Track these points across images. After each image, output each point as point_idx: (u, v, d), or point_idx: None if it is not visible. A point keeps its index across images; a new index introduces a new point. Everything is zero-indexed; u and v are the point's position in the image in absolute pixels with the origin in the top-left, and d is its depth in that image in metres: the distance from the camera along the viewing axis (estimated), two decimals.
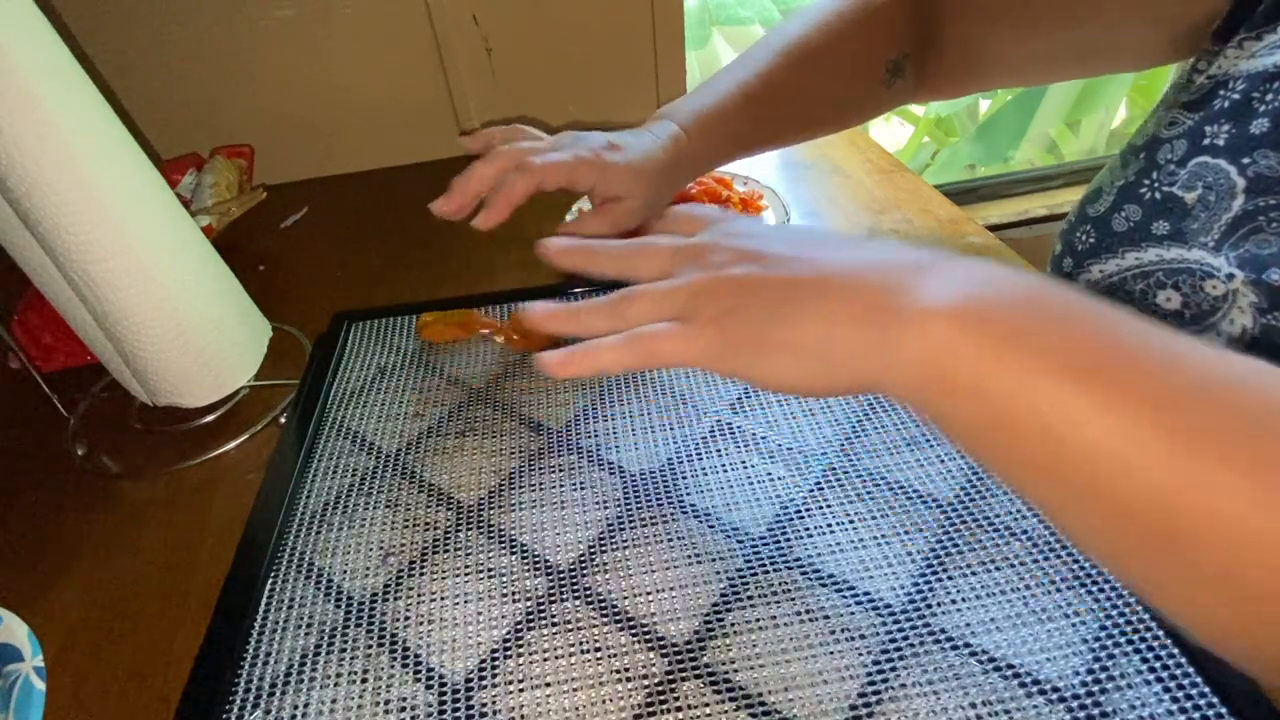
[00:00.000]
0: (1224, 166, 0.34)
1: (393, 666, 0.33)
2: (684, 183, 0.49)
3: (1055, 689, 0.30)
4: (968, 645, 0.31)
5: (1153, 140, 0.38)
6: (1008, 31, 0.50)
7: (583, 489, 0.40)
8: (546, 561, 0.37)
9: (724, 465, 0.41)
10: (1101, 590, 0.33)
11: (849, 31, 0.50)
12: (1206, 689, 0.29)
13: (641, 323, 0.30)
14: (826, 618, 0.33)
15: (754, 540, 0.36)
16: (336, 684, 0.32)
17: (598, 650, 0.33)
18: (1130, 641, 0.31)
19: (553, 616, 0.34)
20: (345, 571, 0.37)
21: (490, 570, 0.36)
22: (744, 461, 0.41)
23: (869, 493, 0.38)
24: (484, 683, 0.32)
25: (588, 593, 0.35)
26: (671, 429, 0.43)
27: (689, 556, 0.36)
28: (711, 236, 0.32)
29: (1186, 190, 0.35)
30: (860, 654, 0.31)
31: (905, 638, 0.32)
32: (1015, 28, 0.49)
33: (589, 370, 0.31)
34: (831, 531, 0.37)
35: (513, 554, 0.37)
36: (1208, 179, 0.34)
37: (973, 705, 0.29)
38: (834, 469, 0.40)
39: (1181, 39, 0.40)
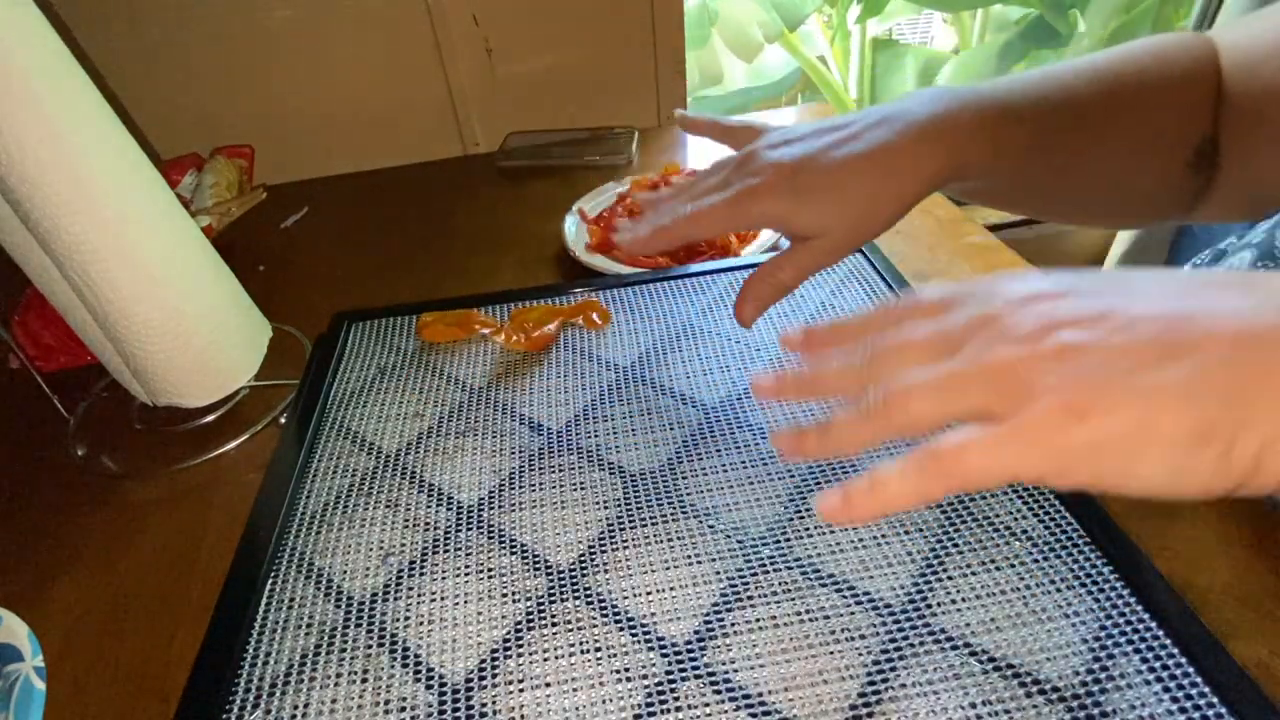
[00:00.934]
0: None
1: (393, 666, 0.33)
2: (917, 199, 0.35)
3: (1055, 689, 0.30)
4: (968, 645, 0.31)
5: None
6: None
7: (583, 489, 0.40)
8: (546, 561, 0.37)
9: (724, 465, 0.41)
10: (1101, 590, 0.33)
11: (1152, 91, 0.38)
12: (1206, 689, 0.29)
13: (919, 426, 0.23)
14: (826, 618, 0.33)
15: (754, 540, 0.36)
16: (336, 684, 0.32)
17: (598, 650, 0.33)
18: (1130, 641, 0.31)
19: (553, 616, 0.34)
20: (345, 571, 0.37)
21: (490, 570, 0.36)
22: (744, 461, 0.41)
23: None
24: (484, 683, 0.32)
25: (588, 593, 0.35)
26: (671, 429, 0.43)
27: (689, 556, 0.36)
28: (984, 306, 0.23)
29: None
30: (860, 654, 0.31)
31: (905, 638, 0.32)
32: None
33: (878, 514, 0.23)
34: (831, 531, 0.37)
35: (513, 554, 0.37)
36: None
37: (973, 705, 0.29)
38: (834, 469, 0.40)
39: None
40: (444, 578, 0.36)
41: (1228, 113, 0.38)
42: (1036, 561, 0.34)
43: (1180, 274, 0.21)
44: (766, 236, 0.63)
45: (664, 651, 0.32)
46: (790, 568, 0.35)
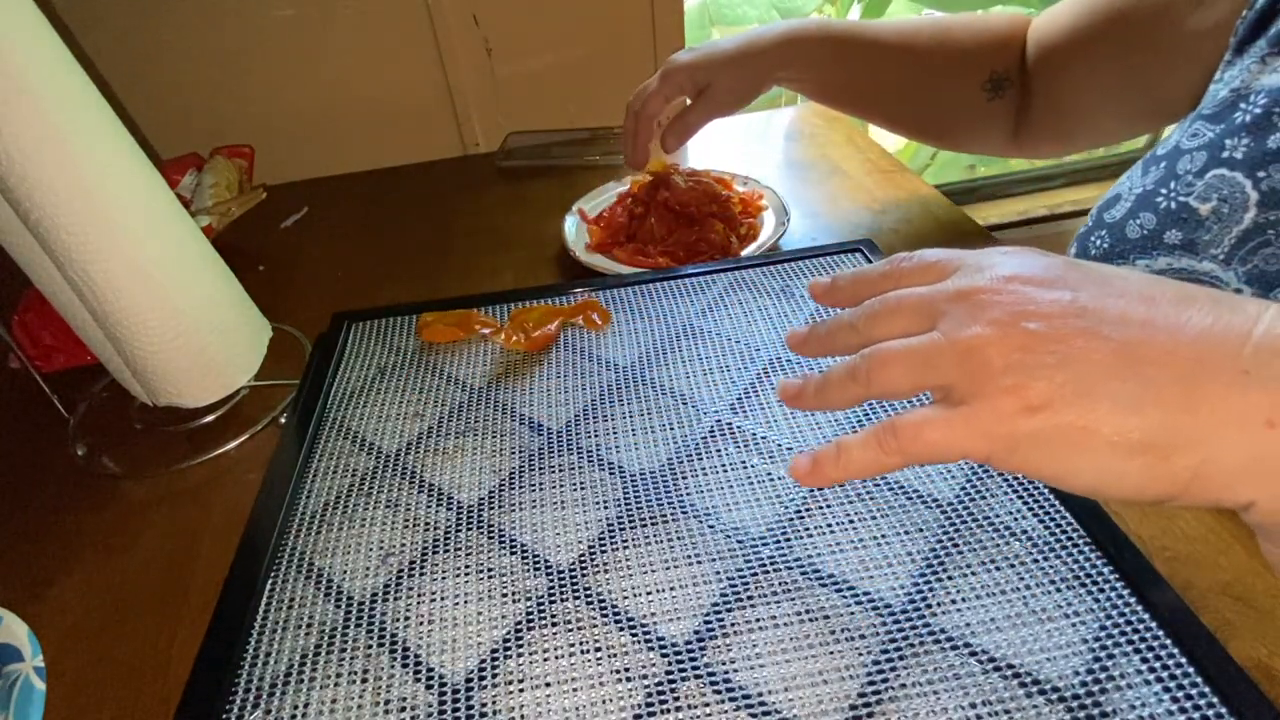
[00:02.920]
0: (1240, 180, 0.34)
1: (393, 666, 0.33)
2: (769, 74, 0.61)
3: (1055, 689, 0.30)
4: (968, 645, 0.31)
5: (1174, 150, 0.38)
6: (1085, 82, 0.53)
7: (583, 489, 0.40)
8: (546, 561, 0.37)
9: (724, 465, 0.41)
10: (1101, 590, 0.33)
11: (962, 31, 0.58)
12: (1206, 689, 0.29)
13: (895, 393, 0.24)
14: (826, 618, 0.33)
15: (754, 540, 0.36)
16: (336, 684, 0.32)
17: (598, 650, 0.33)
18: (1130, 641, 0.31)
19: (553, 616, 0.34)
20: (345, 571, 0.37)
21: (490, 570, 0.36)
22: (744, 461, 0.41)
23: (869, 493, 0.38)
24: (484, 683, 0.32)
25: (588, 593, 0.35)
26: (671, 429, 0.43)
27: (689, 556, 0.36)
28: (972, 277, 0.24)
29: (1202, 201, 0.35)
30: (860, 654, 0.31)
31: (905, 638, 0.32)
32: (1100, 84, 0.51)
33: (842, 479, 0.25)
34: (831, 531, 0.37)
35: (513, 554, 0.37)
36: (1223, 191, 0.34)
37: (973, 705, 0.29)
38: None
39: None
40: (444, 578, 0.36)
41: (1036, 60, 0.56)
42: (1036, 561, 0.34)
43: (1164, 285, 0.22)
44: (765, 236, 0.63)
45: (664, 651, 0.32)
46: (790, 568, 0.35)
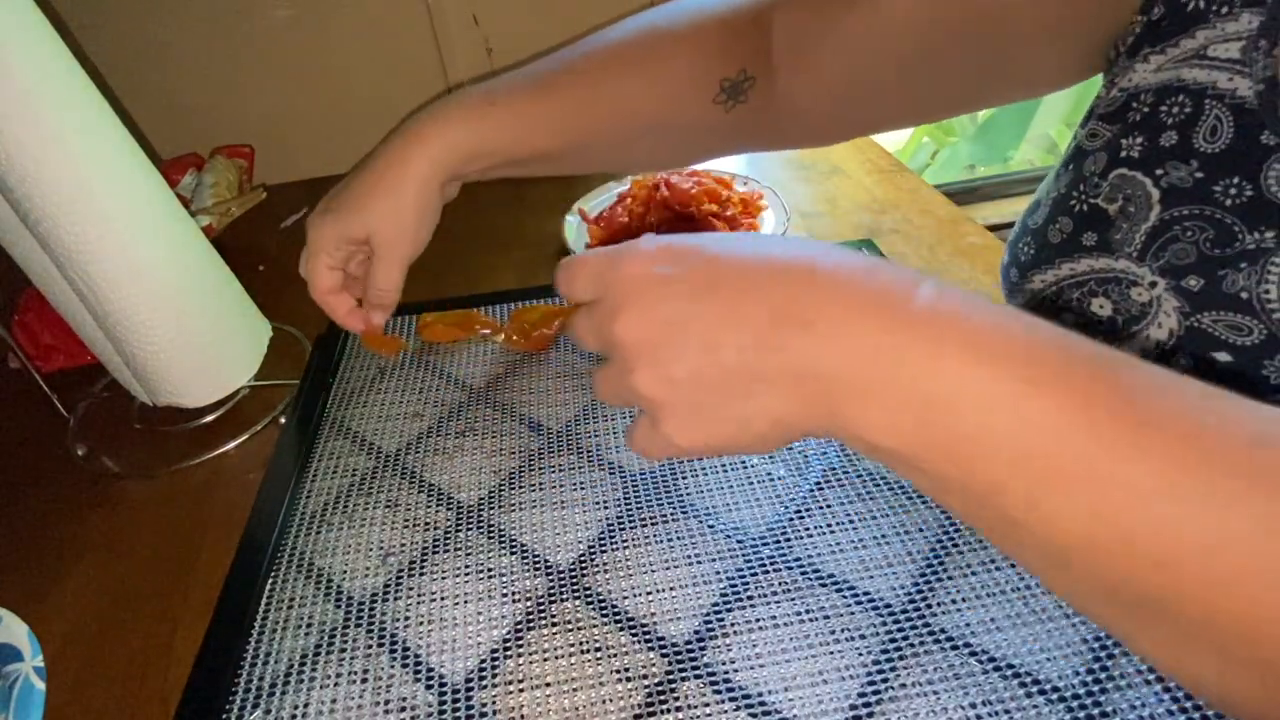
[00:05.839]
0: (1140, 178, 0.35)
1: (393, 666, 0.33)
2: (424, 194, 0.43)
3: (1055, 689, 0.30)
4: (968, 645, 0.31)
5: (1077, 152, 0.38)
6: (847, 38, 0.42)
7: (583, 489, 0.40)
8: (546, 561, 0.37)
9: (724, 465, 0.41)
10: None
11: (673, 40, 0.44)
12: None
13: (614, 403, 0.30)
14: (826, 618, 0.33)
15: (754, 540, 0.36)
16: (336, 684, 0.32)
17: (598, 650, 0.33)
18: None
19: (553, 616, 0.34)
20: (345, 571, 0.37)
21: (490, 570, 0.36)
22: (744, 461, 0.41)
23: (869, 493, 0.38)
24: (484, 683, 0.32)
25: (588, 593, 0.35)
26: None
27: (689, 556, 0.36)
28: (588, 325, 0.28)
29: (1109, 202, 0.36)
30: (860, 654, 0.31)
31: (905, 638, 0.32)
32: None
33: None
34: (831, 531, 0.37)
35: (513, 554, 0.37)
36: (1127, 191, 0.35)
37: (973, 705, 0.29)
38: (834, 469, 0.40)
39: (1089, 58, 0.40)
40: (444, 578, 0.36)
41: (777, 46, 0.44)
42: None
43: (770, 257, 0.25)
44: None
45: (664, 651, 0.32)
46: (790, 568, 0.35)
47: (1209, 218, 0.32)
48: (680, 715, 0.30)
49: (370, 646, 0.34)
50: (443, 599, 0.35)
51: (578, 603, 0.35)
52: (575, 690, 0.31)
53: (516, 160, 0.45)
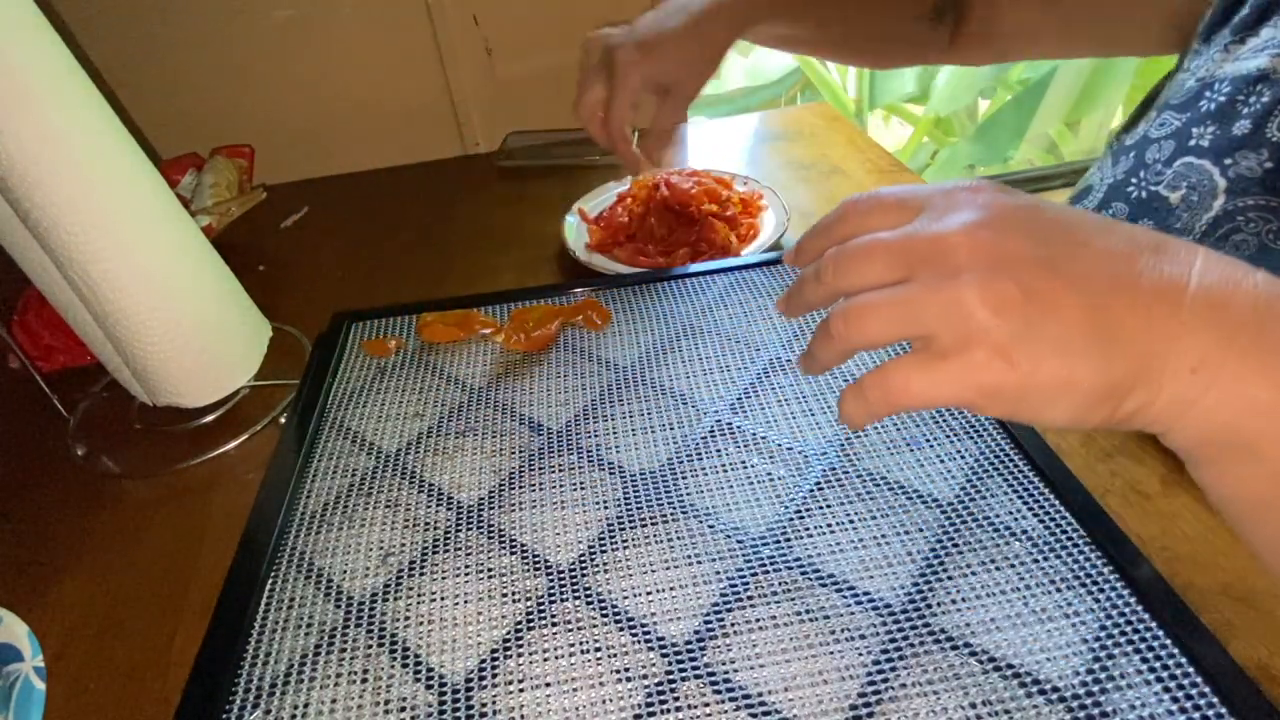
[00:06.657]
0: (1208, 167, 0.34)
1: (393, 666, 0.33)
2: (728, 45, 0.53)
3: (1055, 689, 0.30)
4: (968, 645, 0.31)
5: (1143, 140, 0.38)
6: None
7: (583, 489, 0.40)
8: (546, 561, 0.37)
9: (724, 465, 0.41)
10: (1101, 590, 0.33)
11: None
12: (1206, 689, 0.29)
13: (876, 344, 0.25)
14: (826, 618, 0.33)
15: (754, 540, 0.36)
16: (336, 684, 0.32)
17: (598, 650, 0.33)
18: (1130, 641, 0.31)
19: (553, 616, 0.34)
20: (345, 571, 0.37)
21: (490, 570, 0.36)
22: (744, 461, 0.41)
23: (869, 493, 0.38)
24: (484, 683, 0.32)
25: (588, 593, 0.35)
26: (671, 429, 0.43)
27: (689, 556, 0.36)
28: (941, 223, 0.24)
29: (1171, 190, 0.36)
30: (860, 654, 0.31)
31: (905, 638, 0.32)
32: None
33: (857, 424, 0.26)
34: (831, 531, 0.37)
35: (513, 554, 0.37)
36: (1191, 179, 0.35)
37: (973, 705, 0.29)
38: (834, 469, 0.40)
39: (1180, 30, 0.41)
40: (444, 578, 0.36)
41: None
42: (1036, 561, 0.34)
43: (1113, 234, 0.23)
44: (765, 236, 0.63)
45: (664, 651, 0.32)
46: (790, 568, 0.35)
47: (1274, 209, 0.32)
48: (680, 715, 0.30)
49: (370, 646, 0.34)
50: (443, 599, 0.35)
51: (578, 603, 0.35)
52: (575, 690, 0.31)
53: (786, 38, 0.57)
